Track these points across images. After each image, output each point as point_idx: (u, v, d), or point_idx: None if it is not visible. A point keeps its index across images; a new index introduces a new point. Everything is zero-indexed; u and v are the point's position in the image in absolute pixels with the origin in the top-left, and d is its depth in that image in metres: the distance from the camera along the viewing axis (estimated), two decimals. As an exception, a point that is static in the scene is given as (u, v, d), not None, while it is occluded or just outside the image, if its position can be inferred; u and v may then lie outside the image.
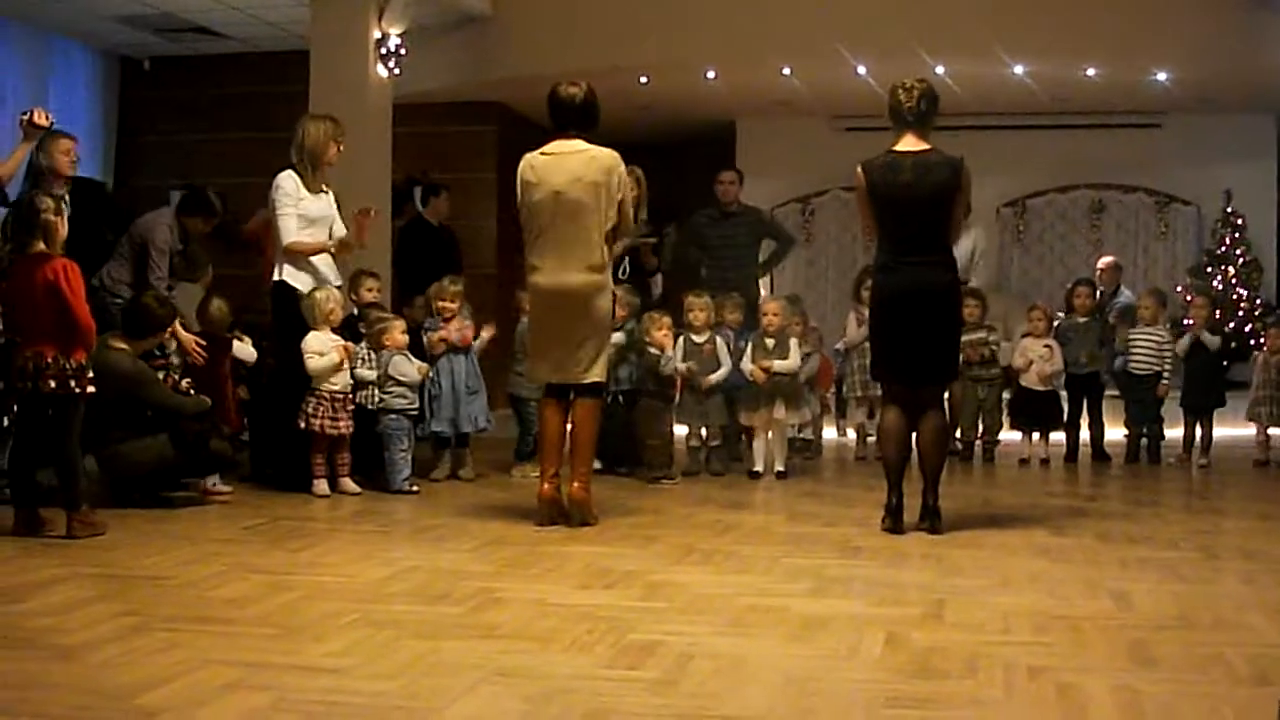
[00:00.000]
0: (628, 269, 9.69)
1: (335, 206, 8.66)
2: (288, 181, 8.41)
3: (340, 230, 8.64)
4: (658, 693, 3.95)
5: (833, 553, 6.47)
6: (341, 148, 8.62)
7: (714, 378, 9.38)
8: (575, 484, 7.25)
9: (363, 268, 9.63)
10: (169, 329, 7.95)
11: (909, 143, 7.12)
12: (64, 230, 6.86)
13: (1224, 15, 12.74)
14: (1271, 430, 10.47)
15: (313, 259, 8.48)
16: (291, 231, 8.38)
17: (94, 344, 6.86)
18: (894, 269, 7.13)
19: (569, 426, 7.39)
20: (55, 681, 4.00)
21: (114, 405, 7.29)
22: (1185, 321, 11.65)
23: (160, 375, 7.84)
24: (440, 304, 9.20)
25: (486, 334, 9.26)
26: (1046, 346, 10.60)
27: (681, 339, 9.45)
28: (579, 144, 7.31)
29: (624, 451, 9.53)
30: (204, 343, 8.38)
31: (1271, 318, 12.93)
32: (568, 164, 7.24)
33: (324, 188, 8.58)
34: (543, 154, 7.35)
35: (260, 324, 9.27)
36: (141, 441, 7.57)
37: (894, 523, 7.01)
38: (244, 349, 8.88)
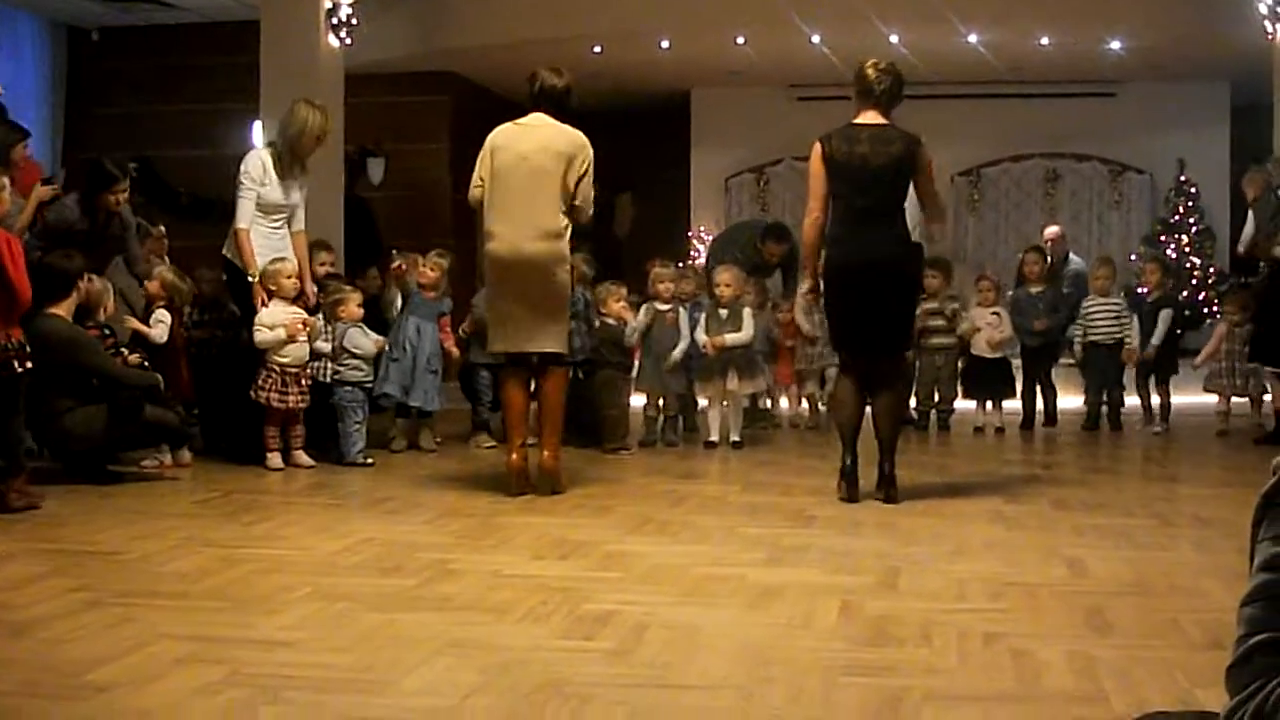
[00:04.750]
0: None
1: (303, 194, 8.61)
2: (254, 164, 8.33)
3: (300, 221, 8.59)
4: (613, 663, 3.94)
5: (788, 522, 6.47)
6: (323, 141, 8.58)
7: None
8: (546, 453, 7.27)
9: (318, 239, 9.59)
10: (85, 285, 7.78)
11: (869, 117, 7.14)
12: (1, 205, 6.77)
13: (1177, -17, 12.79)
14: (1235, 399, 10.47)
15: (260, 237, 8.37)
16: (245, 217, 8.30)
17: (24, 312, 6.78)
18: (847, 241, 7.12)
19: (537, 397, 7.41)
20: (6, 658, 3.97)
21: (55, 373, 7.17)
22: (1140, 290, 11.69)
23: (110, 352, 7.77)
24: (420, 270, 9.18)
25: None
26: (995, 314, 10.63)
27: (645, 308, 9.44)
28: (551, 120, 7.33)
29: (577, 421, 9.55)
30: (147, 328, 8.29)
31: (1225, 286, 12.99)
32: (537, 134, 7.27)
33: (297, 174, 8.51)
34: (515, 124, 7.37)
35: (207, 296, 9.18)
36: (84, 411, 7.47)
37: (849, 488, 7.02)
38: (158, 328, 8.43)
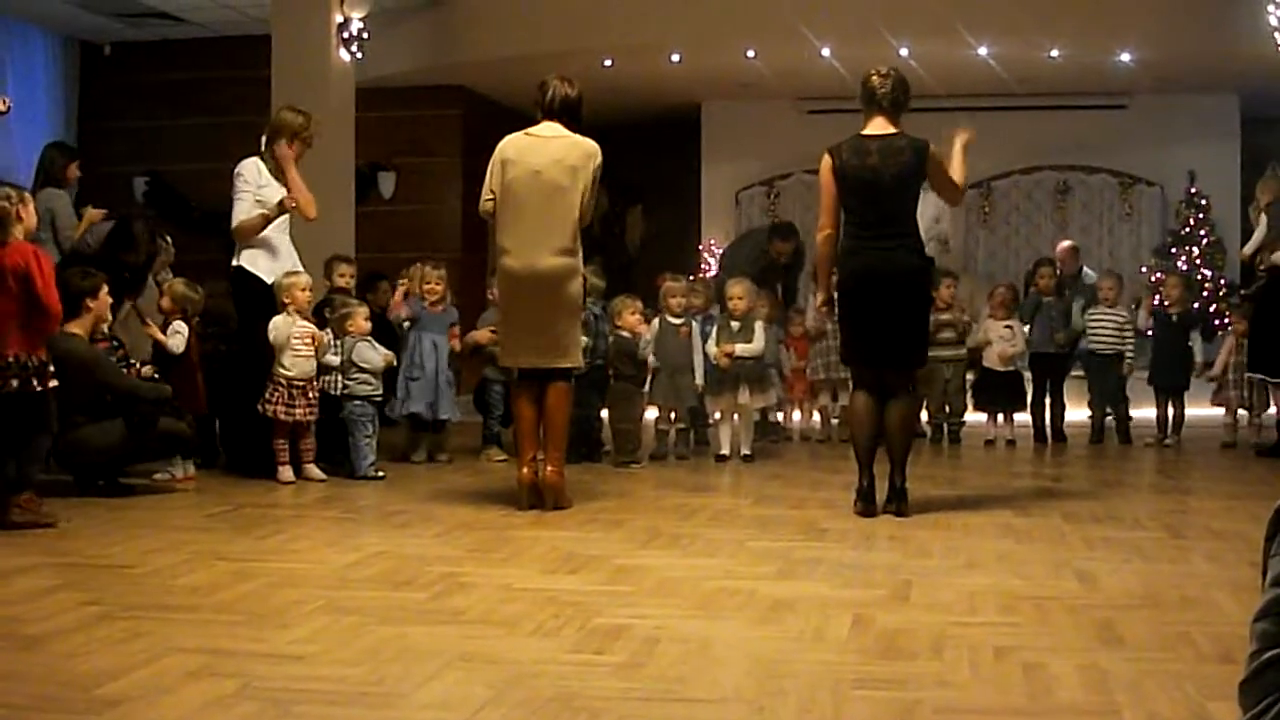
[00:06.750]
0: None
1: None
2: (249, 168, 8.42)
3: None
4: (624, 676, 3.94)
5: (799, 535, 6.47)
6: (309, 143, 8.58)
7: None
8: (549, 469, 7.21)
9: (337, 253, 9.64)
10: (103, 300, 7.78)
11: (877, 126, 7.14)
12: (29, 219, 6.73)
13: (1187, -5, 12.78)
14: (1240, 411, 10.45)
15: (272, 245, 8.41)
16: (243, 217, 8.35)
17: (55, 330, 6.80)
18: (860, 253, 7.12)
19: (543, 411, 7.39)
20: (18, 672, 3.97)
21: (73, 390, 7.18)
22: (1157, 302, 11.67)
23: (120, 364, 7.79)
24: (426, 288, 9.20)
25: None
26: (1008, 327, 10.63)
27: (657, 322, 9.45)
28: (562, 130, 7.29)
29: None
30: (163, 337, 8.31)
31: (1235, 298, 12.95)
32: (550, 147, 7.22)
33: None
34: (526, 135, 7.33)
35: (219, 310, 9.20)
36: (99, 426, 7.47)
37: (865, 506, 7.02)
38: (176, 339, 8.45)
